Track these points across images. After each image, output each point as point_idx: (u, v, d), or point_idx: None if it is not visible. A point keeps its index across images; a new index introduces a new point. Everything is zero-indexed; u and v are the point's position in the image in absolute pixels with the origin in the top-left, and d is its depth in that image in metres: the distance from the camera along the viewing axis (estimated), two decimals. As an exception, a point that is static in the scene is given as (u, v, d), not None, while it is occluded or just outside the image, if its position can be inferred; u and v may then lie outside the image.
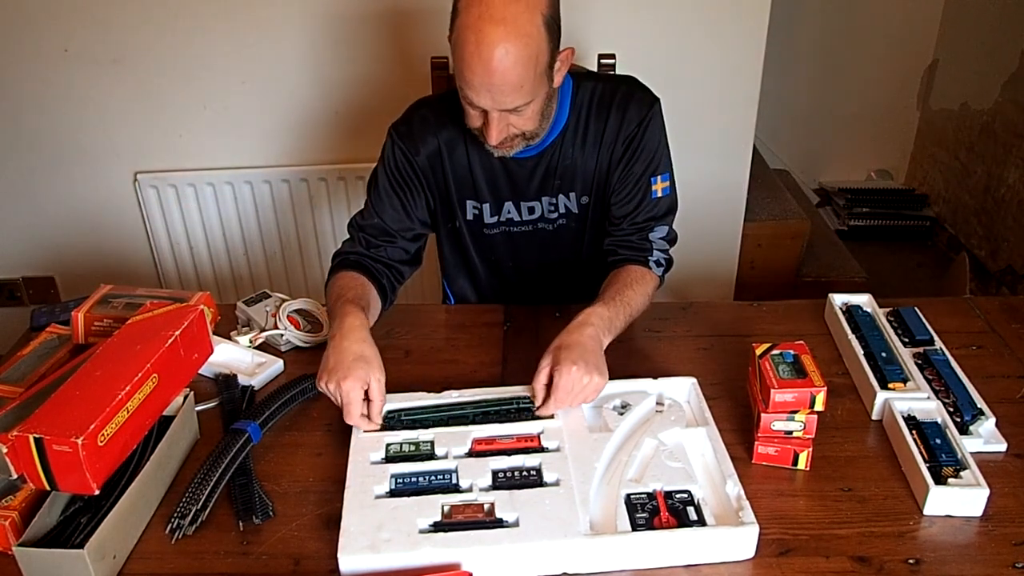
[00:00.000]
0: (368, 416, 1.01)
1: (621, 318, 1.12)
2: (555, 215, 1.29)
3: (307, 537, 0.91)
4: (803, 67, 3.10)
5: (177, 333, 0.99)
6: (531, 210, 1.29)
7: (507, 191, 1.27)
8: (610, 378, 1.07)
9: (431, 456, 0.99)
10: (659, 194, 1.24)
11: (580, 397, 1.02)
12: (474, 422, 1.03)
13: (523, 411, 1.04)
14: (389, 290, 1.23)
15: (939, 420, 1.03)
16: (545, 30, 1.05)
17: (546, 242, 1.33)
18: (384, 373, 1.02)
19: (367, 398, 1.01)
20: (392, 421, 1.03)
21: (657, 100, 1.24)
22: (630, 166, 1.23)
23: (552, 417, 1.03)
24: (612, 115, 1.21)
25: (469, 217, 1.29)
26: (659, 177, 1.24)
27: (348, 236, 1.27)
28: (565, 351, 1.02)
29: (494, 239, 1.33)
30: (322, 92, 1.97)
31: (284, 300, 1.31)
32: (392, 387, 1.04)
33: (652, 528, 0.88)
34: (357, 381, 0.98)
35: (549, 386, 1.02)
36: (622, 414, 1.04)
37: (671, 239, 1.27)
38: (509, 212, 1.29)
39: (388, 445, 1.00)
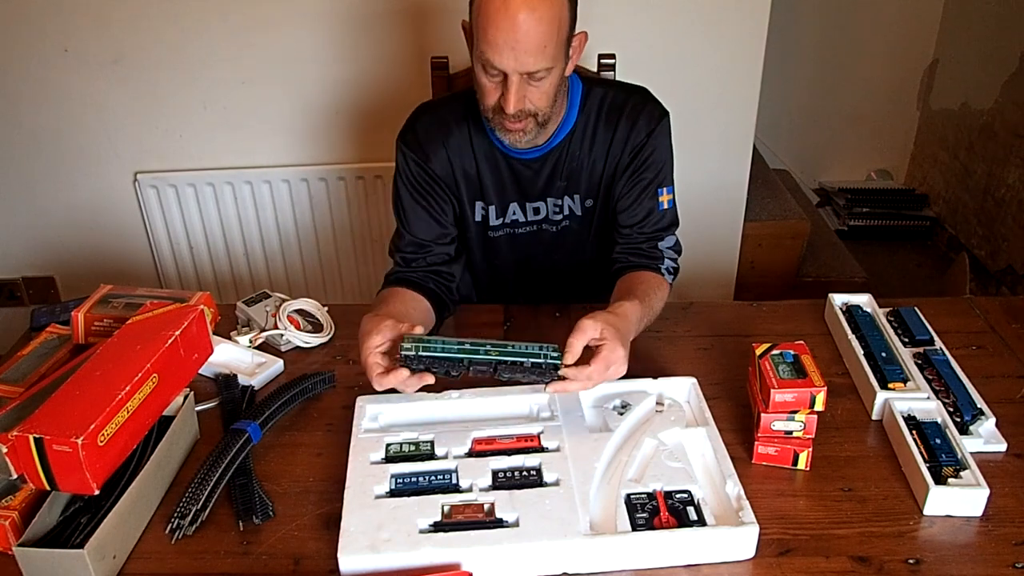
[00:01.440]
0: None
1: (644, 322, 1.12)
2: (559, 216, 1.29)
3: (307, 537, 0.91)
4: (803, 67, 3.10)
5: (177, 333, 0.99)
6: (536, 211, 1.28)
7: (513, 192, 1.27)
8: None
9: (431, 456, 0.99)
10: (665, 206, 1.24)
11: (607, 377, 0.98)
12: (496, 371, 0.97)
13: (550, 368, 0.97)
14: (443, 292, 1.23)
15: (939, 420, 1.03)
16: None
17: (549, 244, 1.32)
18: (387, 323, 0.98)
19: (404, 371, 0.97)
20: (411, 358, 0.95)
21: (667, 114, 1.24)
22: (637, 176, 1.22)
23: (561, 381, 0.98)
24: (622, 123, 1.21)
25: (477, 219, 1.29)
26: (665, 189, 1.24)
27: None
28: (617, 330, 0.99)
29: (498, 242, 1.32)
30: (322, 92, 1.97)
31: (284, 300, 1.31)
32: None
33: (652, 528, 0.88)
34: (367, 352, 0.97)
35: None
36: (622, 414, 1.04)
37: (678, 250, 1.27)
38: (514, 214, 1.29)
39: (388, 445, 1.00)
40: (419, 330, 1.00)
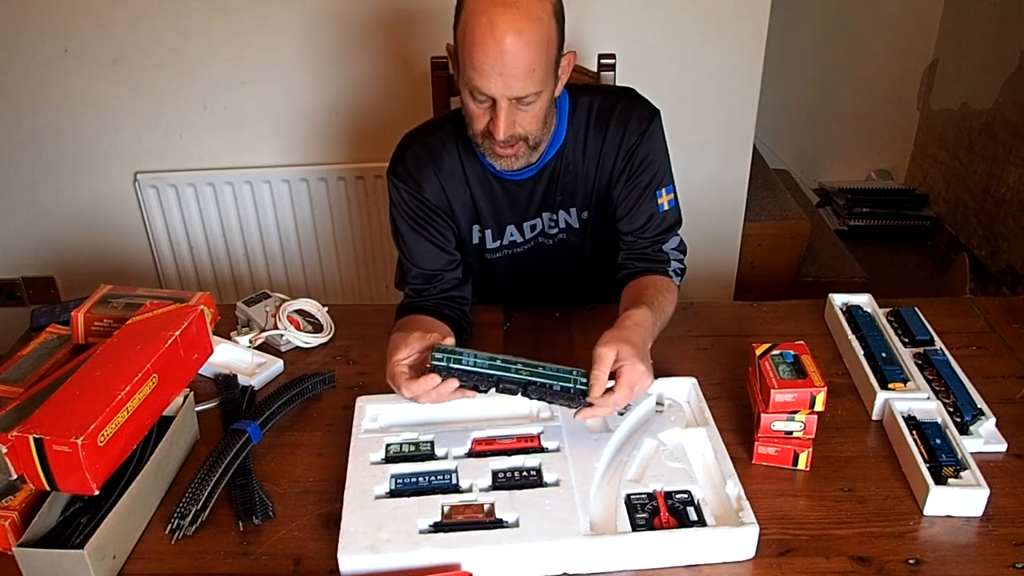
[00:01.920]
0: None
1: (658, 326, 1.10)
2: (555, 230, 1.27)
3: (307, 537, 0.91)
4: (803, 67, 3.10)
5: (177, 333, 0.99)
6: (532, 227, 1.26)
7: (508, 214, 1.24)
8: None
9: (431, 456, 0.99)
10: (665, 207, 1.22)
11: (634, 396, 0.98)
12: (526, 391, 0.96)
13: (579, 393, 0.96)
14: (459, 316, 1.21)
15: (939, 420, 1.03)
16: (555, 19, 1.03)
17: (546, 256, 1.30)
18: (415, 335, 0.98)
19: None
20: (441, 368, 0.95)
21: (657, 112, 1.20)
22: (634, 180, 1.20)
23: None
24: (611, 129, 1.18)
25: (474, 241, 1.26)
26: (663, 190, 1.21)
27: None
28: (633, 347, 0.97)
29: (495, 263, 1.30)
30: (322, 92, 1.97)
31: (284, 300, 1.31)
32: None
33: (652, 528, 0.88)
34: (392, 365, 0.97)
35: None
36: (622, 414, 1.04)
37: (683, 249, 1.25)
38: (512, 235, 1.26)
39: (388, 445, 1.00)
40: (450, 341, 0.98)
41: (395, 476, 0.95)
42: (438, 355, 0.95)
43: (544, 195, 1.23)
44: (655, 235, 1.22)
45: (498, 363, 0.96)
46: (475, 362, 0.95)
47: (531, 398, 0.97)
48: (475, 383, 0.95)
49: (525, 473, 0.96)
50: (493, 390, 0.96)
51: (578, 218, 1.26)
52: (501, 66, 1.00)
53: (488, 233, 1.26)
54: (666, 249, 1.22)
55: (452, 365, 0.94)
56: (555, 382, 0.96)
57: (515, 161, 1.12)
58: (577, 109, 1.19)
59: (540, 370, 0.97)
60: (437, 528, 0.88)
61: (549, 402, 0.98)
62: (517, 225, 1.26)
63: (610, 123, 1.19)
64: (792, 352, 1.03)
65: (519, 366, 0.97)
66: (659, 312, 1.10)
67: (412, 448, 1.00)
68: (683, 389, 1.10)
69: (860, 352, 1.16)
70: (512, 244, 1.27)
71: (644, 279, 1.19)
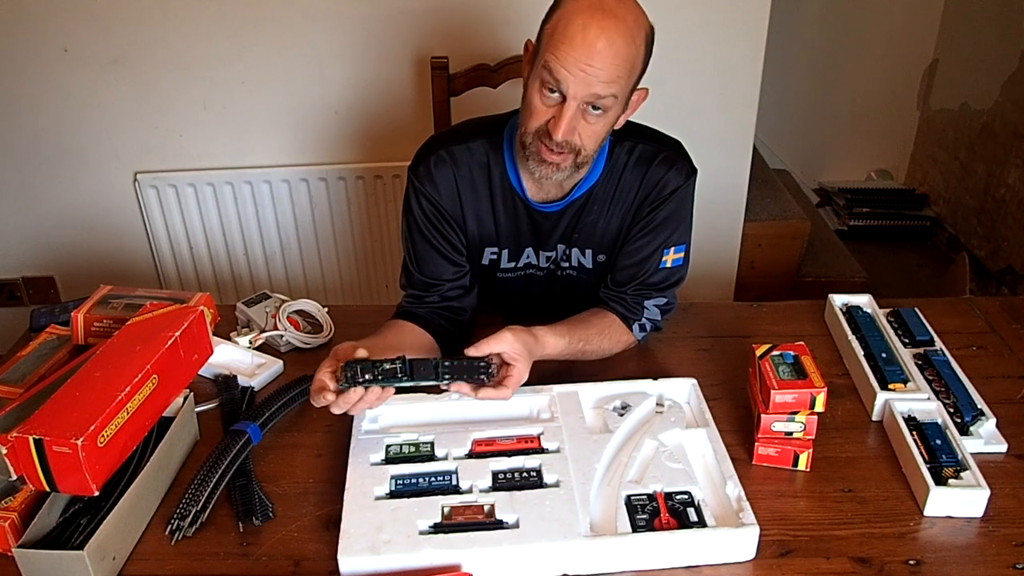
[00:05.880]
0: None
1: (561, 356, 1.12)
2: (566, 264, 1.25)
3: (307, 539, 0.91)
4: (803, 67, 3.10)
5: (177, 334, 0.99)
6: (548, 258, 1.25)
7: (528, 238, 1.22)
8: (610, 379, 1.09)
9: (431, 457, 0.99)
10: (668, 264, 1.20)
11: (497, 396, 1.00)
12: (438, 372, 0.97)
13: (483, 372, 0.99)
14: (453, 327, 1.20)
15: (939, 421, 1.03)
16: (644, 47, 1.03)
17: (555, 285, 1.28)
18: (344, 346, 0.99)
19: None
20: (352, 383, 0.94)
21: (695, 173, 1.19)
22: (646, 233, 1.18)
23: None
24: (646, 178, 1.16)
25: (485, 262, 1.24)
26: (673, 248, 1.20)
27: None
28: (531, 355, 1.02)
29: (504, 282, 1.28)
30: (322, 92, 1.96)
31: (284, 301, 1.31)
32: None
33: (652, 529, 0.88)
34: (317, 371, 0.97)
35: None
36: (622, 415, 1.04)
37: (668, 308, 1.23)
38: (528, 257, 1.24)
39: (388, 446, 1.00)
40: (362, 353, 0.97)
41: (395, 477, 0.95)
42: (347, 372, 0.94)
43: (565, 229, 1.21)
44: (644, 288, 1.20)
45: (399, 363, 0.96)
46: (382, 367, 0.95)
47: (443, 379, 0.97)
48: (391, 376, 0.94)
49: (525, 474, 0.96)
50: (408, 380, 0.95)
51: (593, 260, 1.24)
52: (586, 64, 0.99)
53: (505, 254, 1.24)
54: (647, 304, 1.20)
55: (361, 377, 0.93)
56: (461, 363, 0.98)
57: (556, 170, 1.08)
58: (616, 151, 1.17)
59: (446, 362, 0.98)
60: (437, 529, 0.88)
61: (455, 377, 0.98)
62: (535, 249, 1.24)
63: (646, 173, 1.16)
64: (792, 353, 1.03)
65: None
66: (578, 352, 1.14)
67: (412, 449, 1.00)
68: (683, 390, 1.10)
69: (860, 353, 1.16)
70: (527, 266, 1.26)
71: (607, 317, 1.19)
